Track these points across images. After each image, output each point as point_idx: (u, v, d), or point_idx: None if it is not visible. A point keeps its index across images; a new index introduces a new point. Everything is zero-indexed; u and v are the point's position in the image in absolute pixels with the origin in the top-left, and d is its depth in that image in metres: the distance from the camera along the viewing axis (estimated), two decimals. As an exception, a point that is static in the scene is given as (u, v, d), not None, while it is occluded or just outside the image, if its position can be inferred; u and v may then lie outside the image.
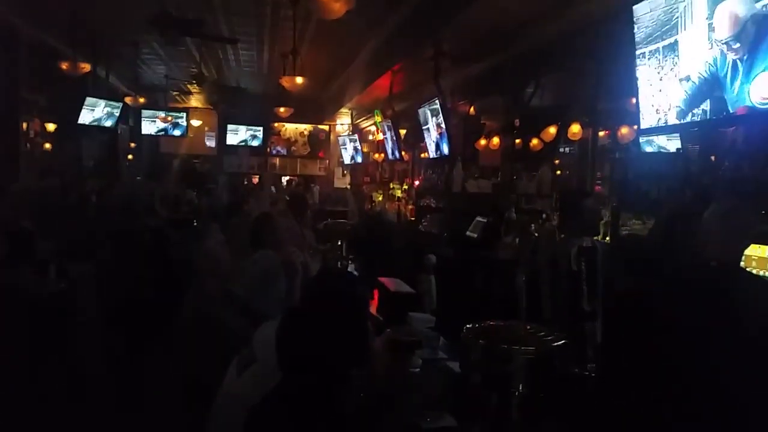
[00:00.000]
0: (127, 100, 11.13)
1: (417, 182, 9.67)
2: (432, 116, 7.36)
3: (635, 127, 6.02)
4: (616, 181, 6.51)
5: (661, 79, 3.59)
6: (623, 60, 4.01)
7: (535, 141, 7.50)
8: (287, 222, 4.08)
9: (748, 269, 2.98)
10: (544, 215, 6.49)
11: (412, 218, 9.26)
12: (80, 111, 9.54)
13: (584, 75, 5.99)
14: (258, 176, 14.55)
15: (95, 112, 9.89)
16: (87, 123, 9.81)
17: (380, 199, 11.81)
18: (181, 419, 2.41)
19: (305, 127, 14.91)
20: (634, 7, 3.64)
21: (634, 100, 4.01)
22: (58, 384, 3.56)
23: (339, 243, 6.21)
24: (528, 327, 1.87)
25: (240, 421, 1.57)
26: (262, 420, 1.50)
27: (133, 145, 13.70)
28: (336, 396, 1.47)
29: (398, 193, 11.00)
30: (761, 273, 3.25)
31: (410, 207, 9.81)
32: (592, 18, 4.81)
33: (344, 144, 13.31)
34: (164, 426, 2.61)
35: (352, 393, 1.50)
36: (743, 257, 2.62)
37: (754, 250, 3.37)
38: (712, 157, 4.83)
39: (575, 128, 6.78)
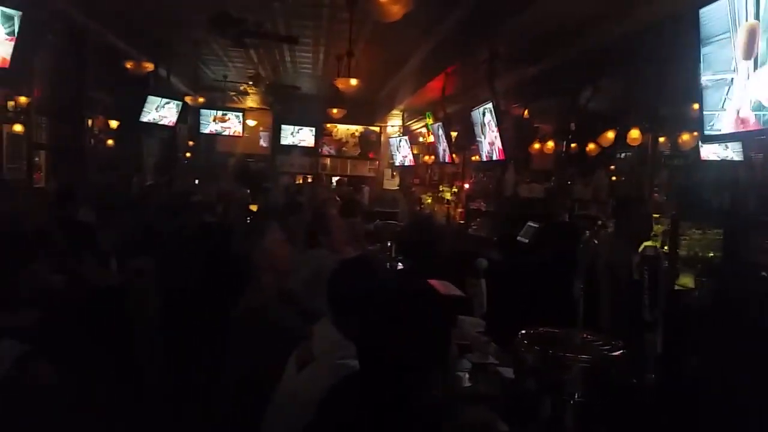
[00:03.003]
0: (187, 99, 11.46)
1: (467, 185, 9.60)
2: (485, 119, 7.30)
3: (695, 133, 5.85)
4: (676, 189, 6.33)
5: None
6: (686, 64, 3.90)
7: (592, 145, 7.35)
8: (342, 221, 4.12)
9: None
10: (599, 222, 6.36)
11: (462, 221, 9.20)
12: (142, 109, 9.90)
13: (644, 79, 5.84)
14: (311, 176, 14.70)
15: (156, 110, 10.25)
16: (148, 121, 10.17)
17: (429, 201, 11.78)
18: (236, 416, 2.45)
19: (356, 128, 15.01)
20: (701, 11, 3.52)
21: (696, 106, 3.89)
22: (117, 375, 3.67)
23: (389, 244, 6.24)
24: (585, 335, 1.84)
25: (298, 418, 1.59)
26: (336, 407, 1.52)
27: (191, 143, 14.11)
28: (412, 393, 1.45)
29: (448, 196, 10.92)
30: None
31: (460, 210, 9.74)
32: (654, 20, 4.69)
33: (395, 145, 13.34)
34: (219, 423, 2.66)
35: (427, 394, 1.49)
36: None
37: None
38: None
39: (635, 133, 6.61)
